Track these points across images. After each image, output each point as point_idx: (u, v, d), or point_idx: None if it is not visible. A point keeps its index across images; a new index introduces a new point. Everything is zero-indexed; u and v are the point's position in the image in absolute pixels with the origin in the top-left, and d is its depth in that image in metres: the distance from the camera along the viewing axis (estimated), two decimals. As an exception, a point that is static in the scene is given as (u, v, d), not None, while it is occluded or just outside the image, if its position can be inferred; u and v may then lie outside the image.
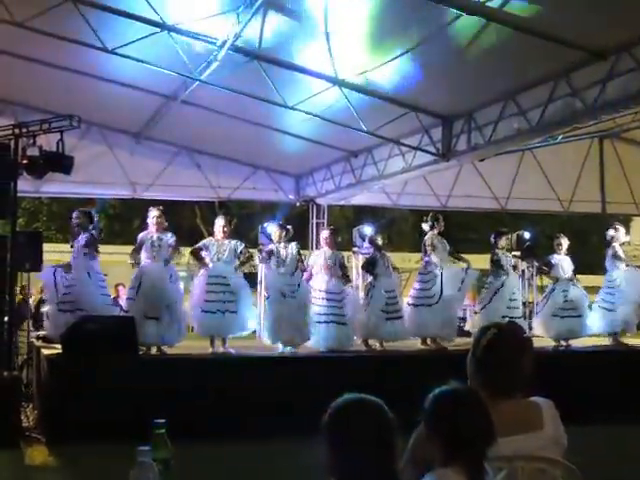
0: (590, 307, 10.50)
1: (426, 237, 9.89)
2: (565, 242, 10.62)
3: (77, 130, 8.68)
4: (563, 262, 10.51)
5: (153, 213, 8.94)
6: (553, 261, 10.51)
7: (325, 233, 9.93)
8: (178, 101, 10.77)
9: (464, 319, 13.21)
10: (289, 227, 9.55)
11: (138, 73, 9.94)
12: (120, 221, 24.57)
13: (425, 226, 9.98)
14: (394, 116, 10.05)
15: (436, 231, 9.86)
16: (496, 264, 10.22)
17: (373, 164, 12.24)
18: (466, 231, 25.46)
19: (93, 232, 9.15)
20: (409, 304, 9.77)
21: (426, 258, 9.82)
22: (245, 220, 21.57)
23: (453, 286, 9.66)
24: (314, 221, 14.52)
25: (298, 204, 14.81)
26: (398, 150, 11.39)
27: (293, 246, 9.25)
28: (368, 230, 13.33)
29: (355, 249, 12.31)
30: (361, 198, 14.19)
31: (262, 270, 8.98)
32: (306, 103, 10.05)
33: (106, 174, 12.90)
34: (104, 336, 7.52)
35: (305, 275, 9.33)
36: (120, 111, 11.73)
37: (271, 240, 9.59)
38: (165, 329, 8.43)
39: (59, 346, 7.93)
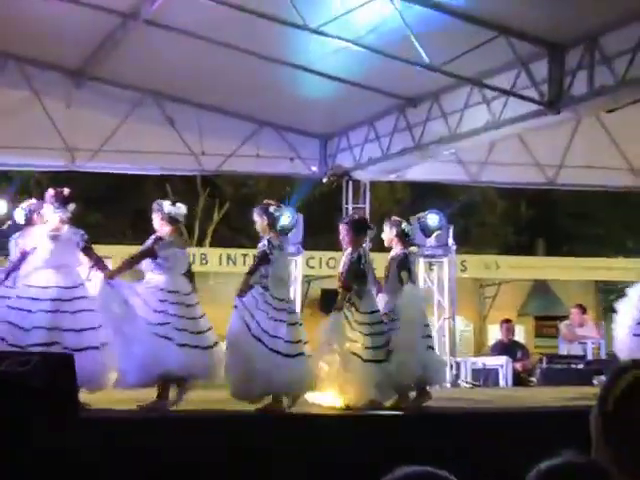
0: None
1: None
2: None
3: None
4: None
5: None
6: None
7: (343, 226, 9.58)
8: (140, 21, 10.80)
9: (583, 357, 13.43)
10: (272, 210, 8.68)
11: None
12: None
13: None
14: (474, 44, 10.00)
15: None
16: None
17: (441, 117, 12.24)
18: (581, 223, 25.23)
19: None
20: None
21: None
22: (243, 205, 21.63)
23: None
24: (350, 205, 14.53)
25: (325, 180, 14.86)
26: (480, 96, 11.37)
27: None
28: (433, 220, 13.25)
29: (414, 249, 12.26)
30: (422, 171, 14.23)
31: None
32: (338, 24, 10.02)
33: (31, 134, 12.99)
34: (30, 385, 7.54)
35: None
36: (53, 38, 11.76)
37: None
38: None
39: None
